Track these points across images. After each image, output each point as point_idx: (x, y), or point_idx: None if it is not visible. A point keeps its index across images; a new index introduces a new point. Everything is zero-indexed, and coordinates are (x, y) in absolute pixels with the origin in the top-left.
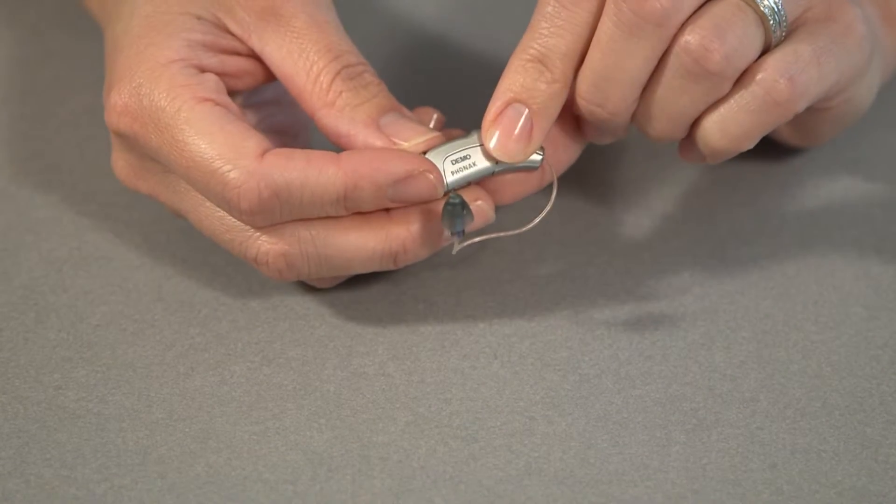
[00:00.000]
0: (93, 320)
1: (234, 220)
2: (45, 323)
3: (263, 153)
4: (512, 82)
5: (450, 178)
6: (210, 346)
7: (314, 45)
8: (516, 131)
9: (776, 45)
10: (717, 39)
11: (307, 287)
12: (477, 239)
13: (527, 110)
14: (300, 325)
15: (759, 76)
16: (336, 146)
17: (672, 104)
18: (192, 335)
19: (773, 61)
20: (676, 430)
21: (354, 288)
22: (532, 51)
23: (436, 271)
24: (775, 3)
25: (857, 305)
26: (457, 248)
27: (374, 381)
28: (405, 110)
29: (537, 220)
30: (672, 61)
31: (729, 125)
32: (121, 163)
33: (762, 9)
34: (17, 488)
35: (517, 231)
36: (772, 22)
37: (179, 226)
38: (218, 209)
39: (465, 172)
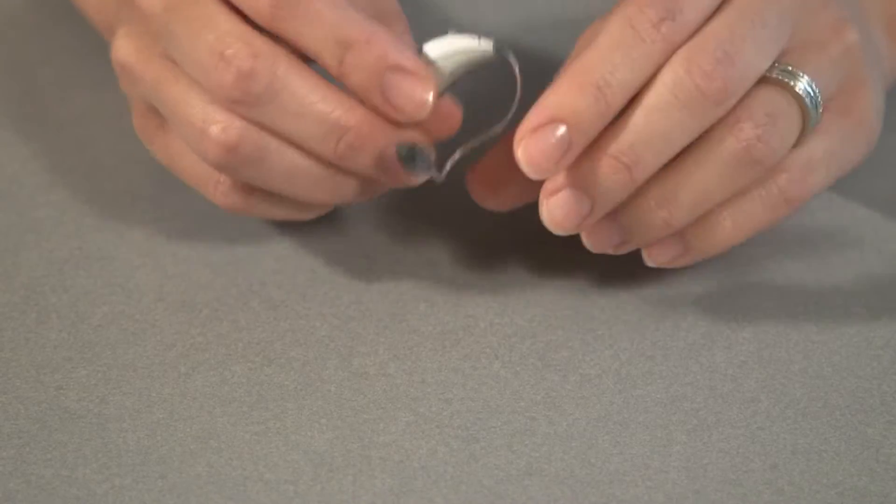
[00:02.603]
0: (94, 320)
1: (227, 20)
2: (46, 323)
3: None
4: (564, 101)
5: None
6: (211, 346)
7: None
8: (550, 150)
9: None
10: (773, 133)
11: (308, 286)
12: (456, 155)
13: (567, 133)
14: (301, 326)
15: (780, 174)
16: None
17: (702, 188)
18: (193, 335)
19: (791, 161)
20: (677, 431)
21: (355, 288)
22: (597, 76)
23: (436, 271)
24: (813, 92)
25: (858, 306)
26: (441, 177)
27: (375, 382)
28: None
29: (510, 115)
30: (716, 147)
31: (743, 218)
32: None
33: (806, 102)
34: (17, 488)
35: (492, 133)
36: (811, 118)
37: (180, 226)
38: (213, 11)
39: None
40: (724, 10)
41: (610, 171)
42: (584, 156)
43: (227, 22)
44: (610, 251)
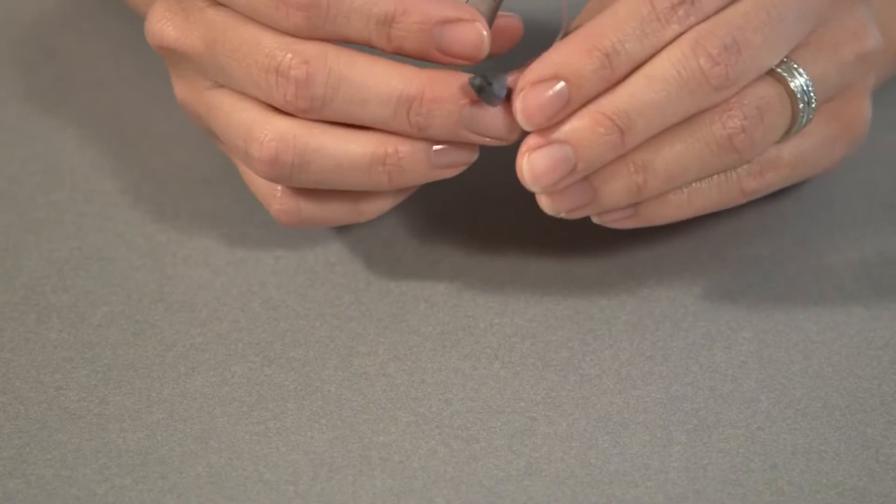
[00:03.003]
0: (94, 321)
1: (272, 36)
2: (46, 323)
3: None
4: (569, 61)
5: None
6: (211, 346)
7: None
8: (547, 104)
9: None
10: (758, 127)
11: (308, 286)
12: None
13: (566, 90)
14: (301, 326)
15: (744, 167)
16: None
17: (681, 165)
18: (193, 335)
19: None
20: (677, 431)
21: (354, 288)
22: (607, 43)
23: (436, 271)
24: (809, 94)
25: (858, 306)
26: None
27: (375, 382)
28: None
29: (560, 36)
30: (704, 128)
31: (696, 196)
32: (158, 8)
33: (799, 104)
34: (17, 488)
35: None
36: (800, 121)
37: (180, 226)
38: (256, 30)
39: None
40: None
41: (603, 131)
42: (578, 114)
43: (270, 39)
44: (563, 214)
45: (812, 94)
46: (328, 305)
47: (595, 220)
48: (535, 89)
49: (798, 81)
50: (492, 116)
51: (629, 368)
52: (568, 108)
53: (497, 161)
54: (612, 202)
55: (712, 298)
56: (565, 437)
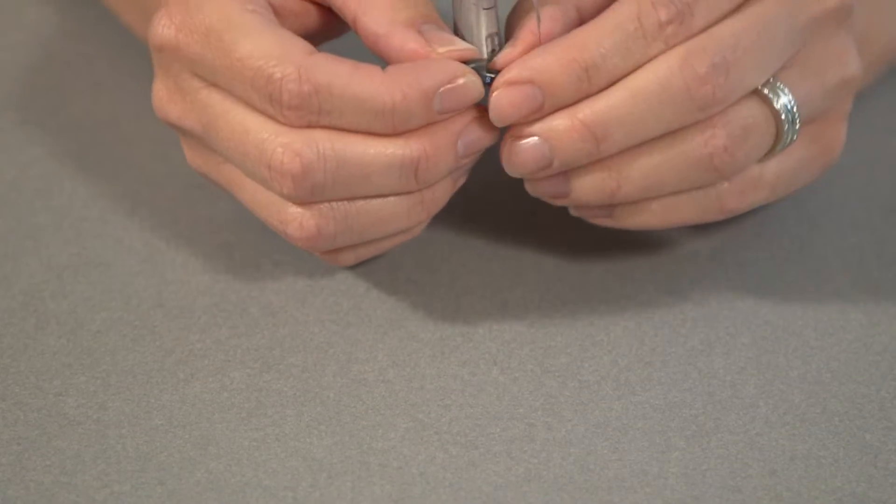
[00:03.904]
0: (93, 326)
1: (260, 127)
2: (45, 329)
3: (311, 54)
4: (547, 70)
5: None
6: (210, 352)
7: None
8: (520, 105)
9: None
10: (742, 147)
11: (307, 292)
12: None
13: (541, 96)
14: (300, 332)
15: (723, 185)
16: (372, 50)
17: (657, 176)
18: (192, 341)
19: (741, 173)
20: (676, 437)
21: (353, 294)
22: (588, 56)
23: (435, 277)
24: (793, 116)
25: (856, 311)
26: None
27: (374, 388)
28: (448, 29)
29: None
30: (685, 143)
31: (673, 209)
32: (158, 86)
33: (784, 125)
34: (17, 494)
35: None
36: (784, 141)
37: (179, 232)
38: (245, 118)
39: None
40: (736, 16)
41: (578, 138)
42: (558, 114)
43: (258, 130)
44: (545, 198)
45: (796, 115)
46: (327, 311)
47: (572, 212)
48: (509, 90)
49: (783, 101)
50: (479, 135)
51: (628, 374)
52: (540, 112)
53: (496, 168)
54: (585, 200)
55: (711, 304)
56: (564, 443)
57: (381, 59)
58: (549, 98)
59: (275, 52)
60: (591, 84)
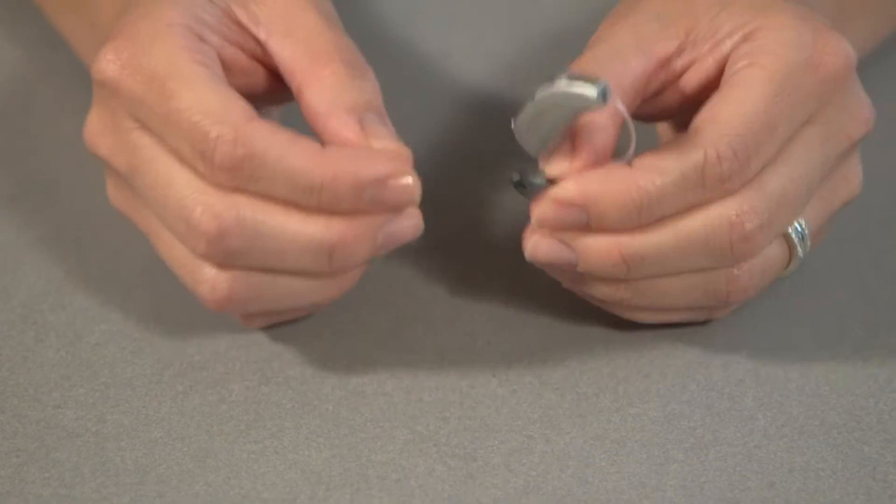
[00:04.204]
0: (92, 339)
1: (184, 182)
2: (45, 342)
3: (252, 119)
4: (601, 200)
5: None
6: (209, 364)
7: (325, 36)
8: (564, 221)
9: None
10: (758, 284)
11: None
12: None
13: (586, 219)
14: (299, 344)
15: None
16: (311, 126)
17: (671, 297)
18: (191, 354)
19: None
20: (674, 449)
21: (352, 306)
22: (646, 197)
23: (434, 289)
24: (804, 250)
25: (854, 323)
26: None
27: (373, 400)
28: (389, 123)
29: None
30: (708, 279)
31: (665, 316)
32: (93, 117)
33: (796, 260)
34: None
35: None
36: (792, 269)
37: None
38: (171, 169)
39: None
40: (784, 163)
41: (611, 263)
42: (599, 236)
43: (182, 184)
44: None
45: (808, 243)
46: (326, 324)
47: (565, 285)
48: (557, 206)
49: (799, 233)
50: (403, 229)
51: (626, 387)
52: (582, 230)
53: (494, 181)
54: (591, 294)
55: None
56: (563, 455)
57: (318, 137)
58: (596, 223)
59: (215, 109)
60: (641, 221)
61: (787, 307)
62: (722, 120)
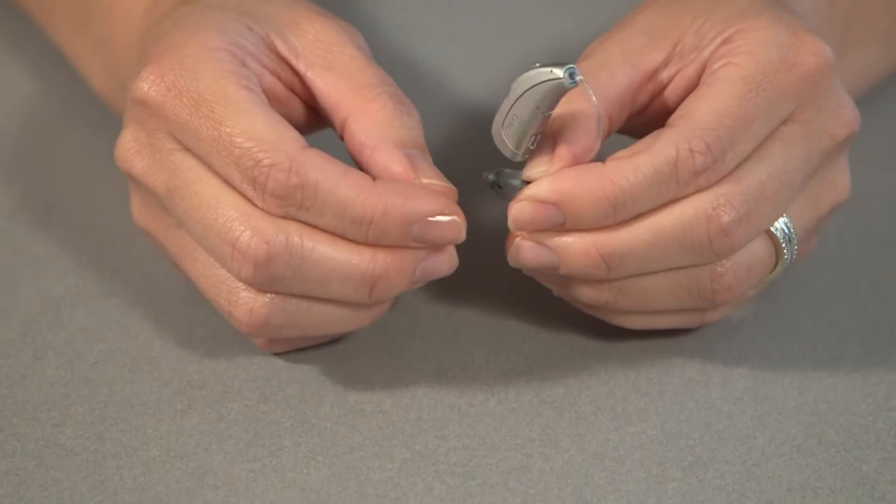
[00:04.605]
0: (90, 357)
1: (232, 205)
2: (43, 360)
3: (305, 148)
4: (576, 198)
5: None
6: (207, 383)
7: (368, 70)
8: (540, 223)
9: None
10: (743, 283)
11: None
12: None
13: (563, 219)
14: (297, 362)
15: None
16: (354, 158)
17: (655, 299)
18: (190, 372)
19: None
20: (673, 468)
21: None
22: (619, 194)
23: (433, 307)
24: (793, 253)
25: (852, 342)
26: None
27: (371, 419)
28: (429, 157)
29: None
30: (692, 278)
31: (655, 321)
32: (127, 136)
33: (783, 261)
34: None
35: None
36: (780, 271)
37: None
38: (219, 192)
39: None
40: (761, 159)
41: (591, 264)
42: (576, 235)
43: (230, 207)
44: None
45: (795, 245)
46: (324, 343)
47: (555, 293)
48: (533, 206)
49: (785, 233)
50: (439, 265)
51: (624, 405)
52: (560, 229)
53: (491, 198)
54: (577, 299)
55: (707, 335)
56: (561, 473)
57: (359, 168)
58: (572, 223)
59: (269, 136)
60: (616, 218)
61: (784, 326)
62: (695, 116)
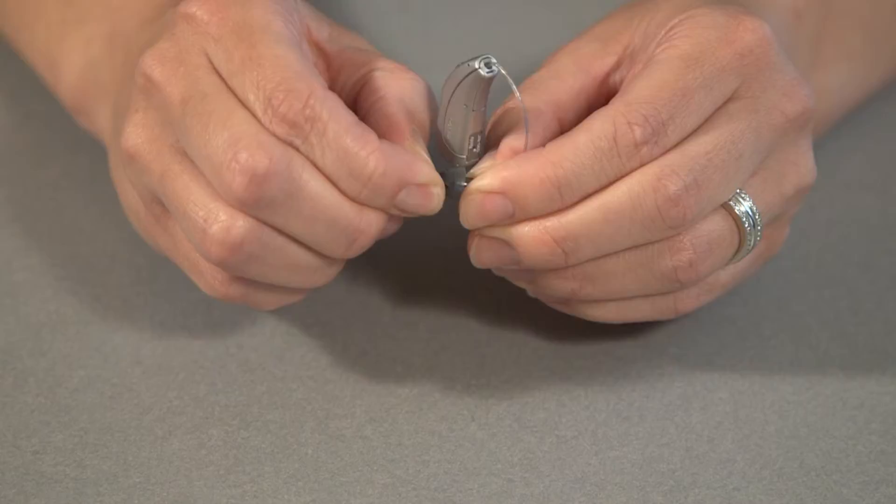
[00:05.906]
0: (71, 384)
1: (246, 122)
2: (23, 387)
3: (326, 89)
4: (521, 186)
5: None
6: (188, 409)
7: (398, 66)
8: (490, 214)
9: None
10: (706, 261)
11: (285, 349)
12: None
13: (512, 209)
14: (278, 388)
15: (681, 290)
16: (357, 105)
17: (620, 283)
18: (170, 399)
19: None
20: (654, 492)
21: (331, 350)
22: (562, 174)
23: (413, 332)
24: (757, 229)
25: (833, 366)
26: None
27: (352, 444)
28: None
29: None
30: (651, 256)
31: (630, 309)
32: (163, 45)
33: (747, 241)
34: None
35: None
36: (746, 249)
37: (157, 289)
38: (235, 110)
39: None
40: (708, 132)
41: (547, 251)
42: (529, 224)
43: (243, 121)
44: (492, 269)
45: (759, 225)
46: (305, 368)
47: (530, 293)
48: (480, 198)
49: (746, 212)
50: (391, 228)
51: (605, 429)
52: (511, 221)
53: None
54: (547, 292)
55: (688, 359)
56: (542, 498)
57: (359, 102)
58: (521, 210)
59: (297, 68)
60: (564, 200)
61: (765, 350)
62: (632, 92)
